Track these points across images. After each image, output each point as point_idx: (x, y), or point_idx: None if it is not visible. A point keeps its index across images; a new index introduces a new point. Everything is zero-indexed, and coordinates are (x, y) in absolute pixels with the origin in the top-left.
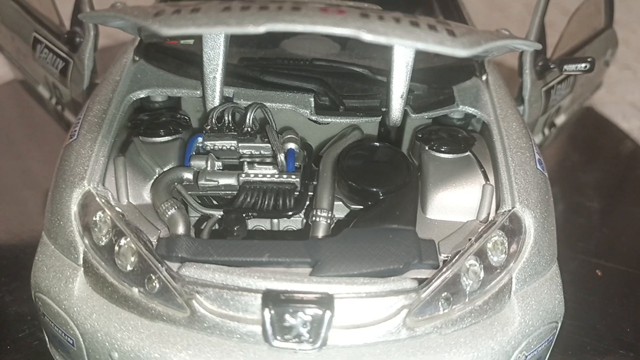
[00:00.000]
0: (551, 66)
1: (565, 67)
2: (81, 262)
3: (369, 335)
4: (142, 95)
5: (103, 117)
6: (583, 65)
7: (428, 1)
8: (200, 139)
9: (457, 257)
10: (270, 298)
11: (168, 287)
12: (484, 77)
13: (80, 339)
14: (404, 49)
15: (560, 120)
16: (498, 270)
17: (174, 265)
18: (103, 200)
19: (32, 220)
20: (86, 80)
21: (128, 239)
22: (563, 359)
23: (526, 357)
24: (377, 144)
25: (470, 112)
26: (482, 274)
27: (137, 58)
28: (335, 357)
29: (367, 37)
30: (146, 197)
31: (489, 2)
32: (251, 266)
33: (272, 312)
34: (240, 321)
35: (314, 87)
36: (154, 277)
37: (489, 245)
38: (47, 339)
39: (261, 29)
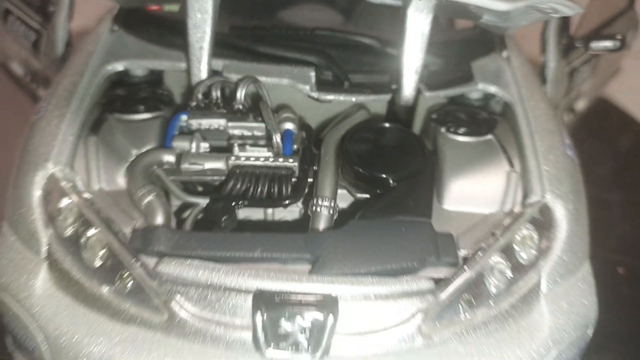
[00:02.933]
0: (576, 44)
1: (593, 44)
2: (44, 255)
3: (379, 344)
4: (119, 68)
5: (74, 91)
6: (612, 43)
7: None
8: (184, 117)
9: (480, 253)
10: (263, 300)
11: (142, 286)
12: (504, 54)
13: (45, 343)
14: (419, 13)
15: (580, 105)
16: (527, 269)
17: (151, 261)
18: (70, 185)
19: None
20: (59, 52)
21: (97, 230)
22: None
23: None
24: (387, 125)
25: (491, 91)
26: (509, 273)
27: (115, 28)
28: None
29: None
30: (121, 182)
31: None
32: (241, 262)
33: (265, 316)
34: (227, 326)
35: (315, 59)
36: (126, 274)
37: (517, 240)
38: (10, 341)
39: None
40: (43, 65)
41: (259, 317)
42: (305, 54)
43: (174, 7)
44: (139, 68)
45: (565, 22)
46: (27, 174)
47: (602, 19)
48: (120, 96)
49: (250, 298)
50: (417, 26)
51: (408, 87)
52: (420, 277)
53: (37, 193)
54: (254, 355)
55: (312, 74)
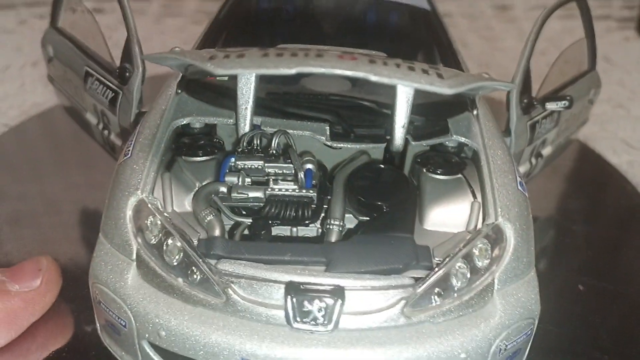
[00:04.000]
0: (534, 103)
1: (547, 104)
2: (134, 257)
3: (373, 321)
4: (184, 122)
5: (152, 139)
6: (562, 102)
7: (429, 49)
8: (232, 159)
9: (447, 260)
10: (292, 288)
11: (207, 278)
12: (475, 112)
13: (133, 321)
14: (404, 87)
15: (546, 151)
16: (482, 272)
17: (212, 261)
18: (154, 207)
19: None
20: (134, 109)
21: (175, 239)
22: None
23: (506, 346)
24: (382, 166)
25: (462, 141)
26: (468, 275)
27: (179, 91)
28: (345, 338)
29: (374, 78)
30: (187, 206)
31: (492, 44)
32: (275, 263)
33: (294, 299)
34: (266, 307)
35: (329, 117)
36: (195, 270)
37: (475, 251)
38: (98, 327)
39: (292, 70)
40: (119, 118)
41: (289, 300)
42: (321, 113)
43: (223, 77)
44: (198, 122)
45: (526, 85)
46: (122, 199)
47: (565, 79)
48: (186, 143)
49: (283, 287)
50: (404, 95)
51: (398, 139)
52: (404, 276)
53: (129, 212)
54: (285, 327)
55: (327, 127)
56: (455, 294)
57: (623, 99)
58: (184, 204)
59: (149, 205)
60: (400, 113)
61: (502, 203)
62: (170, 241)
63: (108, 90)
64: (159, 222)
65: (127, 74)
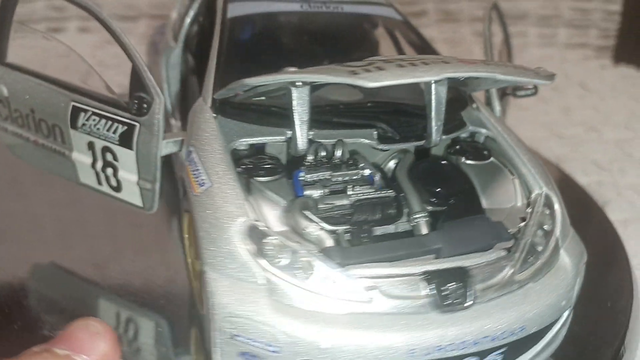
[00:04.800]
0: (507, 93)
1: (518, 92)
2: (262, 281)
3: (494, 291)
4: (242, 146)
5: (221, 166)
6: (530, 91)
7: (420, 52)
8: (301, 174)
9: (526, 228)
10: (431, 276)
11: (349, 286)
12: (474, 105)
13: (288, 343)
14: (439, 86)
15: None
16: (550, 234)
17: (346, 269)
18: (265, 229)
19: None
20: (160, 139)
21: (304, 254)
22: None
23: (577, 284)
24: (440, 161)
25: (482, 132)
26: (544, 236)
27: (215, 115)
28: (482, 309)
29: (500, 77)
30: (281, 224)
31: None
32: (396, 259)
33: (433, 286)
34: (412, 299)
35: (374, 122)
36: (335, 280)
37: (541, 218)
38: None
39: (438, 77)
40: (137, 152)
41: (430, 288)
42: (368, 120)
43: (261, 97)
44: (246, 144)
45: None
46: (227, 228)
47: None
48: (255, 165)
49: (420, 278)
50: (441, 94)
51: (436, 134)
52: (498, 248)
53: (240, 236)
54: (433, 312)
55: (374, 132)
56: (540, 255)
57: (596, 123)
58: (276, 222)
59: (260, 227)
60: (437, 110)
61: (538, 175)
62: (301, 258)
63: (116, 124)
64: (276, 242)
65: (145, 105)
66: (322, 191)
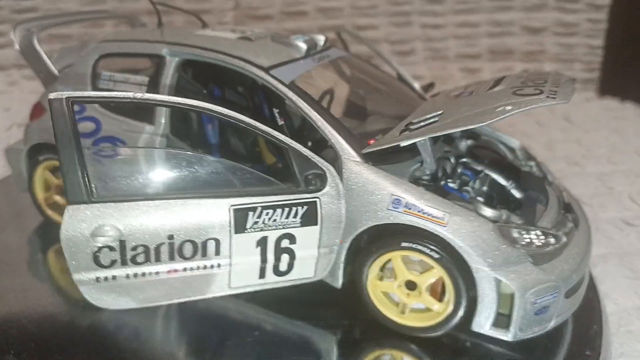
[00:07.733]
0: None
1: None
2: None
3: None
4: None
5: (435, 195)
6: None
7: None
8: (451, 185)
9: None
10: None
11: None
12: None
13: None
14: None
15: None
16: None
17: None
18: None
19: None
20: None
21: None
22: None
23: None
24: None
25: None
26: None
27: (369, 162)
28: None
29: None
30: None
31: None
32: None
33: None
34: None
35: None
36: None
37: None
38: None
39: (506, 115)
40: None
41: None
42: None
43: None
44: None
45: None
46: (492, 234)
47: None
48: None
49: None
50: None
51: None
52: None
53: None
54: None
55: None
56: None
57: (579, 157)
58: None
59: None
60: None
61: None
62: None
63: (295, 207)
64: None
65: (319, 180)
66: (478, 199)
